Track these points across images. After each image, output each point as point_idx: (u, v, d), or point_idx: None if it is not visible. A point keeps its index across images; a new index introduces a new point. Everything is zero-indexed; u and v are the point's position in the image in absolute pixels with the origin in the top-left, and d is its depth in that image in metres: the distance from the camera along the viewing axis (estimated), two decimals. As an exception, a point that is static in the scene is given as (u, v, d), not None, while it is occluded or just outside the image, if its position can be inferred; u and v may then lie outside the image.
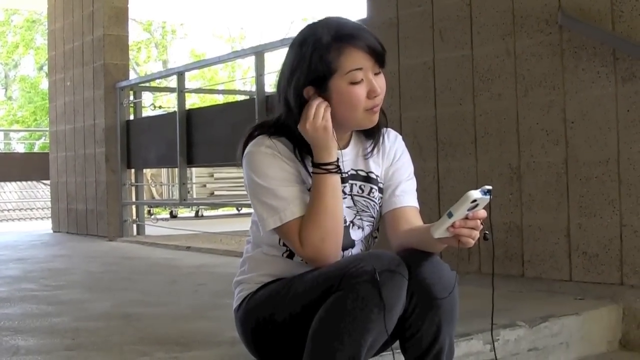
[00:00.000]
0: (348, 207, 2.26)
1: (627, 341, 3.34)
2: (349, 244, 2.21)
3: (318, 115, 2.08)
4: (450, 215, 1.87)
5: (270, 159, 2.14)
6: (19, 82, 30.84)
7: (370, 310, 1.93)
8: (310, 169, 2.17)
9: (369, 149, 2.29)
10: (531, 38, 3.73)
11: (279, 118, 2.22)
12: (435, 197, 4.14)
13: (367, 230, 2.27)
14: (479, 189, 1.84)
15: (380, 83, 2.14)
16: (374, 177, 2.30)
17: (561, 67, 3.60)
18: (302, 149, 2.18)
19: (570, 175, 3.57)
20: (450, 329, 2.11)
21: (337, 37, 2.10)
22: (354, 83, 2.10)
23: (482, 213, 1.91)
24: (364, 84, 2.11)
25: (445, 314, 2.07)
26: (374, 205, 2.29)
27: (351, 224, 2.25)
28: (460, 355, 2.64)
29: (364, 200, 2.28)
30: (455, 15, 4.08)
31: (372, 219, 2.28)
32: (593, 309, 3.31)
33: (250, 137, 2.23)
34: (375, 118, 2.18)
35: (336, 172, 2.10)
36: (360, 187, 2.28)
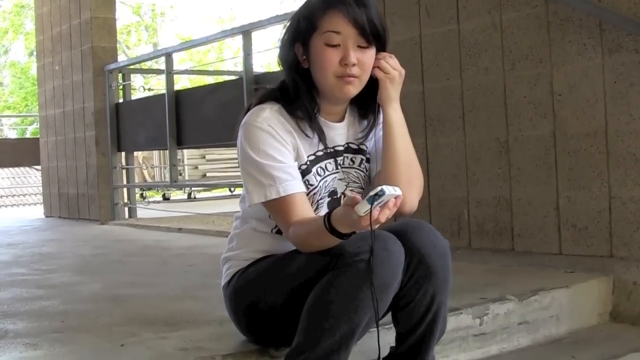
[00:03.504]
0: (340, 180, 2.30)
1: (617, 313, 3.35)
2: None
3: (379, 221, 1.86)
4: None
5: (265, 135, 2.15)
6: (10, 68, 30.68)
7: (367, 289, 1.93)
8: (311, 139, 2.21)
9: (362, 134, 2.32)
10: (517, 11, 3.71)
11: (282, 81, 2.27)
12: (425, 173, 4.07)
13: None
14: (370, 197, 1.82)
15: (361, 57, 2.14)
16: (364, 148, 2.34)
17: (548, 40, 3.58)
18: (298, 115, 2.20)
19: (559, 148, 3.56)
20: (444, 298, 2.13)
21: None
22: (329, 45, 2.12)
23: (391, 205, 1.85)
24: (340, 50, 2.13)
25: (439, 282, 2.10)
26: (364, 176, 2.34)
27: (342, 195, 2.29)
28: (449, 330, 2.62)
29: (355, 172, 2.32)
30: (441, -10, 4.06)
31: (362, 190, 2.33)
32: (583, 281, 3.32)
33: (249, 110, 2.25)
34: (349, 89, 2.17)
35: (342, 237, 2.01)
36: (351, 160, 2.32)
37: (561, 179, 3.56)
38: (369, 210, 1.81)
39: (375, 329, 2.01)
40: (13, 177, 17.30)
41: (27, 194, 16.60)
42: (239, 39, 6.26)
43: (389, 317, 2.19)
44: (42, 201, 9.90)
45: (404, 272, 2.04)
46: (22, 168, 17.07)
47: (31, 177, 16.95)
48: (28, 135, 23.09)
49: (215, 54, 27.50)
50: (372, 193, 1.81)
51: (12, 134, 24.49)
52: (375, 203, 1.80)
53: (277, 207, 2.14)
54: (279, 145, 2.15)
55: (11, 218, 9.89)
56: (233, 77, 8.92)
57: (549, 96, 3.59)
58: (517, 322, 2.96)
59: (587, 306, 3.29)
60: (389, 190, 1.80)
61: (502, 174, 3.80)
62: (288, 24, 2.25)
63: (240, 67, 6.65)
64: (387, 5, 4.34)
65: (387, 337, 2.29)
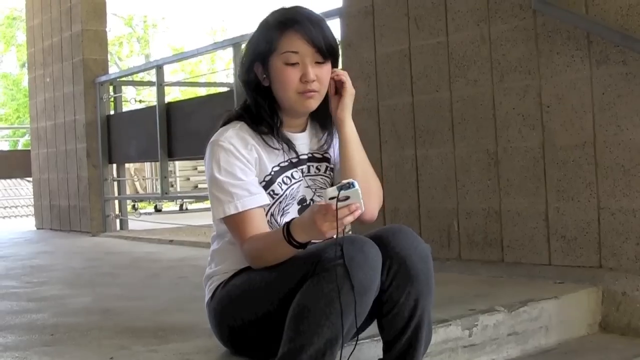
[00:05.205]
0: (307, 187, 2.37)
1: (606, 324, 3.35)
2: None
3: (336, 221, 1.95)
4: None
5: (227, 153, 2.24)
6: (1, 80, 30.62)
7: (347, 292, 1.97)
8: (277, 152, 2.31)
9: (323, 142, 2.42)
10: (506, 23, 3.73)
11: (245, 101, 2.37)
12: (414, 184, 4.13)
13: None
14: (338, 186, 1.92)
15: (319, 72, 2.25)
16: (329, 156, 2.43)
17: (536, 52, 3.60)
18: (263, 130, 2.29)
19: (547, 160, 3.58)
20: (427, 302, 2.15)
21: (282, 21, 2.25)
22: (288, 64, 2.23)
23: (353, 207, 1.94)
24: (299, 68, 2.23)
25: (422, 285, 2.12)
26: (330, 182, 2.42)
27: (311, 202, 2.37)
28: (439, 341, 2.65)
29: (321, 178, 2.41)
30: (430, 2, 4.07)
31: None
32: (572, 292, 3.33)
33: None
34: (310, 104, 2.28)
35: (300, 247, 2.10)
36: (316, 168, 2.41)
37: (550, 190, 3.57)
38: (336, 197, 1.89)
39: (363, 332, 2.02)
40: (4, 189, 17.26)
41: (18, 206, 16.56)
42: (229, 51, 6.27)
43: (376, 329, 2.20)
44: (33, 213, 9.87)
45: (386, 276, 2.09)
46: (13, 180, 17.02)
47: (23, 189, 16.91)
48: (20, 147, 23.04)
49: (207, 64, 27.53)
50: (344, 181, 1.91)
51: (4, 146, 24.43)
52: (344, 191, 1.89)
53: (234, 223, 2.23)
54: (239, 163, 2.23)
55: (2, 230, 9.85)
56: (224, 89, 8.92)
57: (537, 108, 3.61)
58: (506, 333, 2.96)
59: (577, 317, 3.29)
60: (357, 185, 1.90)
61: (492, 185, 3.81)
62: (246, 45, 2.35)
63: (232, 78, 6.66)
64: (376, 18, 4.36)
65: (376, 349, 2.29)
